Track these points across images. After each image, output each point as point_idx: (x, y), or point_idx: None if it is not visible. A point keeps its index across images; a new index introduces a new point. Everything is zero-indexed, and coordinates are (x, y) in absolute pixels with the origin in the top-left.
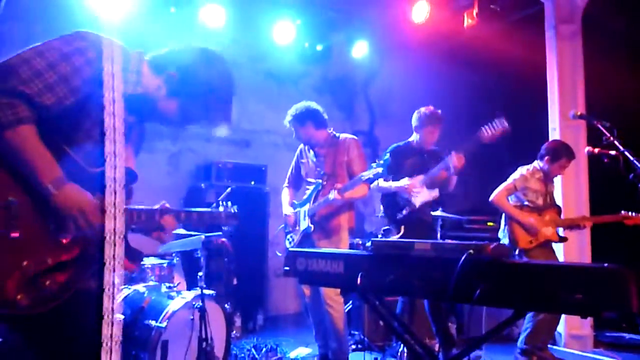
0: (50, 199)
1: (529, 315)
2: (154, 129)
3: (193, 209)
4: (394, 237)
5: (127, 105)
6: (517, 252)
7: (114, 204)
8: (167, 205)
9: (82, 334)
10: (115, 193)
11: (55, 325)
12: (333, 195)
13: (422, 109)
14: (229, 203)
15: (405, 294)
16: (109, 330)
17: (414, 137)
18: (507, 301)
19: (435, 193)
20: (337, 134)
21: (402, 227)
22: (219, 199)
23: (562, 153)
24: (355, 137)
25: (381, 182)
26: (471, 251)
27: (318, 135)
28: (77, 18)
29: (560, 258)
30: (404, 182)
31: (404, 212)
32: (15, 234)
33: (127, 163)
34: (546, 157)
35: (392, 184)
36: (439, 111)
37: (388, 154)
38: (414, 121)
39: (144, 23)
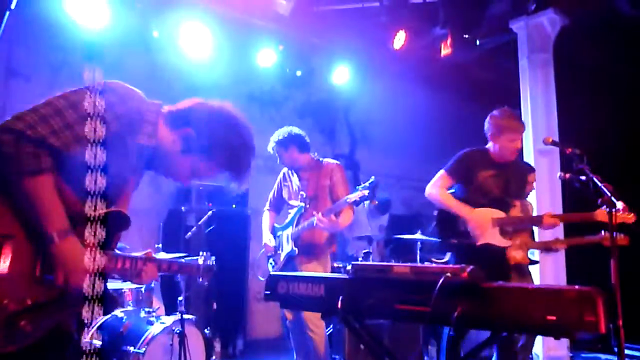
0: (50, 246)
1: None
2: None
3: (174, 260)
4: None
5: (138, 155)
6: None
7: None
8: (152, 254)
9: None
10: (95, 228)
11: None
12: (315, 220)
13: (497, 112)
14: (208, 254)
15: (385, 317)
16: None
17: (490, 146)
18: (484, 323)
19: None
20: (320, 158)
21: (450, 255)
22: (199, 222)
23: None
24: (338, 162)
25: (441, 195)
26: (448, 274)
27: (302, 159)
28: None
29: (537, 280)
30: (473, 215)
31: (461, 240)
32: (2, 272)
33: (123, 207)
34: None
35: (456, 207)
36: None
37: (459, 157)
38: (489, 127)
39: (124, 46)
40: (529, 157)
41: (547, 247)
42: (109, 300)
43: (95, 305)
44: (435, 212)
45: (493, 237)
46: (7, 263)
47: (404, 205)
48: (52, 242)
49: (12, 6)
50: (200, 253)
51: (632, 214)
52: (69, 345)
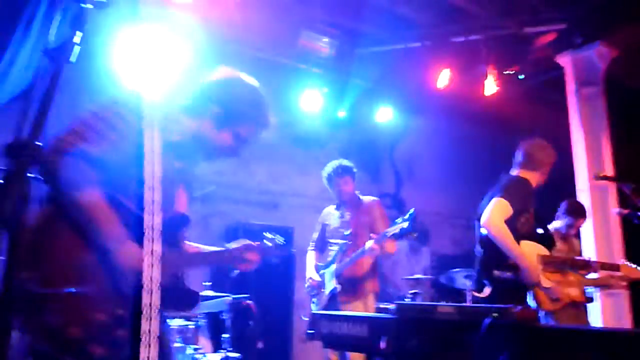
0: (110, 256)
1: None
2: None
3: (254, 243)
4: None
5: (176, 152)
6: (544, 314)
7: (151, 252)
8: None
9: None
10: (152, 241)
11: None
12: (369, 244)
13: (532, 142)
14: (276, 235)
15: (428, 358)
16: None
17: (526, 174)
18: None
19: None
20: (360, 196)
21: (490, 289)
22: (271, 235)
23: (579, 211)
24: (377, 198)
25: (507, 235)
26: (495, 314)
27: (350, 191)
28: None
29: (598, 323)
30: (533, 268)
31: (505, 274)
32: (85, 290)
33: (180, 208)
34: (564, 216)
35: (520, 257)
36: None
37: (518, 183)
38: (526, 156)
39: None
40: (582, 194)
41: (602, 283)
42: (188, 295)
43: (154, 309)
44: (479, 239)
45: (540, 277)
46: (87, 284)
47: (452, 244)
48: (111, 252)
49: (73, 59)
50: (268, 235)
51: None
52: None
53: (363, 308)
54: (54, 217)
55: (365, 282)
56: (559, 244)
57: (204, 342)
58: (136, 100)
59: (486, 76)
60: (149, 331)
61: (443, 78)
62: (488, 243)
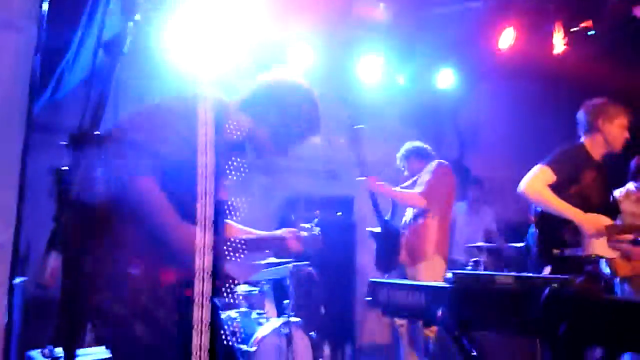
0: (165, 239)
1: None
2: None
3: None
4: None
5: (233, 149)
6: (618, 280)
7: (205, 216)
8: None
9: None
10: (205, 230)
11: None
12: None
13: (594, 101)
14: (313, 224)
15: (486, 329)
16: (198, 340)
17: (588, 142)
18: (594, 339)
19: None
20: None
21: (550, 268)
22: (309, 225)
23: None
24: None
25: (548, 194)
26: (555, 285)
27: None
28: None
29: None
30: (589, 220)
31: (565, 250)
32: (135, 271)
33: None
34: (634, 177)
35: (566, 209)
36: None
37: (565, 151)
38: (589, 117)
39: (237, 75)
40: None
41: None
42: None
43: (206, 297)
44: (534, 217)
45: (601, 248)
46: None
47: (517, 210)
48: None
49: (125, 50)
50: (305, 225)
51: None
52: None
53: (424, 271)
54: (112, 203)
55: (426, 243)
56: (632, 207)
57: (269, 307)
58: (194, 96)
59: (553, 34)
60: (201, 319)
61: (506, 38)
62: (542, 221)
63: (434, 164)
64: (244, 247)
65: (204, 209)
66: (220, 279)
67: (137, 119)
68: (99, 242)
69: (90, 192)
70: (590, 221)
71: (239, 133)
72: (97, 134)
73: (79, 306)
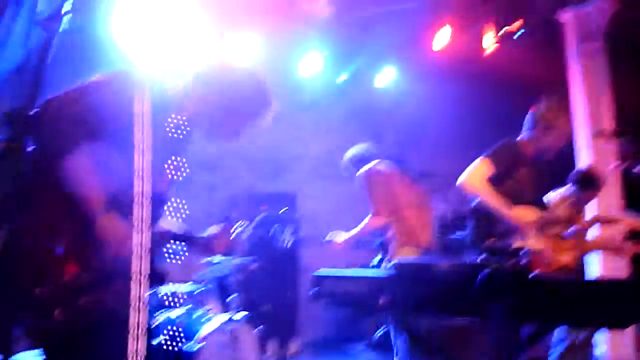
0: (94, 222)
1: (557, 339)
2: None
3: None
4: None
5: (178, 141)
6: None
7: (142, 218)
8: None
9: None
10: (142, 207)
11: (86, 344)
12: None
13: (543, 103)
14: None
15: (428, 313)
16: (134, 346)
17: (527, 140)
18: (530, 316)
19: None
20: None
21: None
22: (250, 225)
23: (591, 183)
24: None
25: (483, 188)
26: (489, 269)
27: None
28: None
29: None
30: (518, 217)
31: (497, 242)
32: (60, 250)
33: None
34: (575, 186)
35: (499, 206)
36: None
37: (505, 145)
38: (535, 120)
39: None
40: (584, 150)
41: (603, 247)
42: (157, 276)
43: (144, 275)
44: (471, 209)
45: (531, 240)
46: (63, 244)
47: (455, 206)
48: (95, 219)
49: (63, 27)
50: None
51: None
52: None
53: None
54: (41, 180)
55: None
56: (560, 211)
57: (213, 304)
58: (132, 73)
59: (484, 35)
60: (138, 324)
61: (441, 38)
62: (477, 213)
63: (362, 175)
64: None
65: (141, 210)
66: (157, 280)
67: (73, 94)
68: (27, 221)
69: (23, 170)
70: (517, 216)
71: (183, 119)
72: (33, 112)
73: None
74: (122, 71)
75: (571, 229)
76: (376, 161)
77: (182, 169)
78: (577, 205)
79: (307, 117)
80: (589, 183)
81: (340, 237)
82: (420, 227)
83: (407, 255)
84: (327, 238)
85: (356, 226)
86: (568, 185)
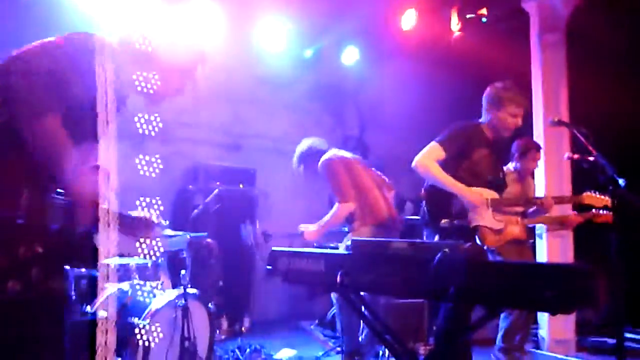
0: (64, 186)
1: (502, 316)
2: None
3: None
4: None
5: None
6: (489, 251)
7: (108, 176)
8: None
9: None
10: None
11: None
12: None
13: (499, 84)
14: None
15: (383, 293)
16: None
17: (485, 120)
18: (481, 299)
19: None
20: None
21: (438, 237)
22: (206, 200)
23: (529, 146)
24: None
25: (436, 169)
26: (446, 250)
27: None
28: (70, 18)
29: (543, 259)
30: (472, 194)
31: (452, 221)
32: (20, 220)
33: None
34: (515, 155)
35: (451, 184)
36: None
37: (456, 129)
38: (489, 98)
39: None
40: (538, 138)
41: (548, 223)
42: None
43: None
44: (424, 191)
45: (487, 219)
46: (24, 214)
47: (413, 189)
48: (65, 182)
49: None
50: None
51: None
52: (65, 308)
53: None
54: (6, 138)
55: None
56: (514, 186)
57: (164, 279)
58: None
59: (450, 19)
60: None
61: (408, 19)
62: (430, 194)
63: (324, 165)
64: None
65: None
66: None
67: (41, 50)
68: None
69: None
70: (472, 194)
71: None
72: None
73: None
74: (83, 33)
75: (532, 209)
76: (333, 150)
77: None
78: (520, 176)
79: (271, 94)
80: (527, 151)
81: (312, 229)
82: (383, 206)
83: (367, 233)
84: (300, 230)
85: (322, 215)
86: (509, 164)
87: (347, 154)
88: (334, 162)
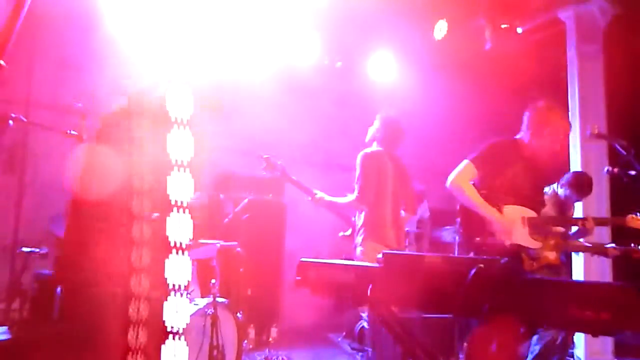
0: None
1: (535, 338)
2: None
3: None
4: None
5: None
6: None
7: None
8: None
9: None
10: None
11: None
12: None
13: (542, 103)
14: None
15: (414, 308)
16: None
17: (524, 138)
18: (517, 317)
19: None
20: None
21: (473, 254)
22: (236, 209)
23: (584, 187)
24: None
25: (469, 192)
26: (481, 265)
27: None
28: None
29: (580, 277)
30: (501, 220)
31: (487, 240)
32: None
33: None
34: (570, 187)
35: (482, 208)
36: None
37: (488, 147)
38: (531, 119)
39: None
40: (575, 151)
41: (579, 249)
42: None
43: None
44: (458, 207)
45: (523, 238)
46: None
47: (444, 200)
48: None
49: None
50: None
51: None
52: None
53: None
54: None
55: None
56: (551, 208)
57: (194, 287)
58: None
59: (483, 29)
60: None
61: (440, 29)
62: (465, 211)
63: (362, 155)
64: None
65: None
66: None
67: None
68: None
69: None
70: (501, 221)
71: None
72: None
73: None
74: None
75: (575, 230)
76: (378, 147)
77: None
78: (563, 205)
79: (299, 103)
80: (581, 186)
81: (318, 195)
82: (390, 225)
83: (371, 249)
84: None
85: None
86: (555, 185)
87: (389, 156)
88: (370, 157)
